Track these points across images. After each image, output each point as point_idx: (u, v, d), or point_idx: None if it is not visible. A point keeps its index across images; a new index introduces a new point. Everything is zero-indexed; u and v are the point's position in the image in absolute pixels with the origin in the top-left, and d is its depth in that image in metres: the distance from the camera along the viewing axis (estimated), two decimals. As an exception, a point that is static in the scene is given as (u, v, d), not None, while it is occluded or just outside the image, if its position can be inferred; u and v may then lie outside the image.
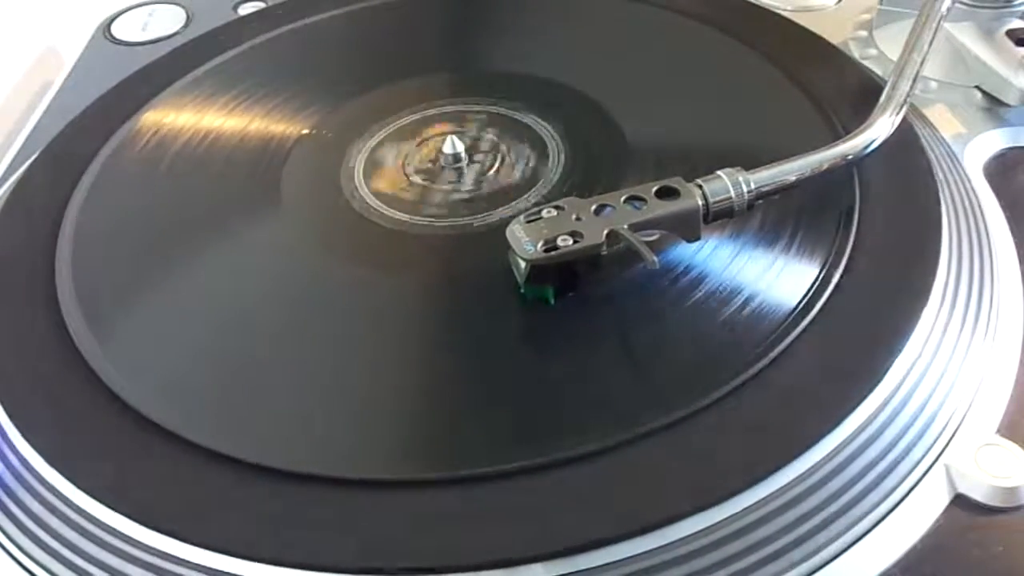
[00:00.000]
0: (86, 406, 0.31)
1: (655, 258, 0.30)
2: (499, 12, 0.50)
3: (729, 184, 0.32)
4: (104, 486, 0.28)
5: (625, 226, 0.31)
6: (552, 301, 0.32)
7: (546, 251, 0.31)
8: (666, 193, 0.32)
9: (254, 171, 0.40)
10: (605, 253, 0.31)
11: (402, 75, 0.44)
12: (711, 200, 0.32)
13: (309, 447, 0.29)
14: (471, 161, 0.39)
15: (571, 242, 0.31)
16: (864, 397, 0.28)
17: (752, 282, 0.32)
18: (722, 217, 0.32)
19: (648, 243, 0.31)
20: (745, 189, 0.32)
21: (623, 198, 0.32)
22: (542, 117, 0.41)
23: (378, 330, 0.33)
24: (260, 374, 0.32)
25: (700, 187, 0.32)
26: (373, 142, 0.41)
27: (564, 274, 0.31)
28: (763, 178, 0.33)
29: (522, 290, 0.32)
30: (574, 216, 0.32)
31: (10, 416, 0.31)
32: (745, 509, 0.26)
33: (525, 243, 0.31)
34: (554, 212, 0.32)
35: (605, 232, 0.31)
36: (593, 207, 0.32)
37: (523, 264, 0.31)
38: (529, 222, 0.32)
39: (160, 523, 0.27)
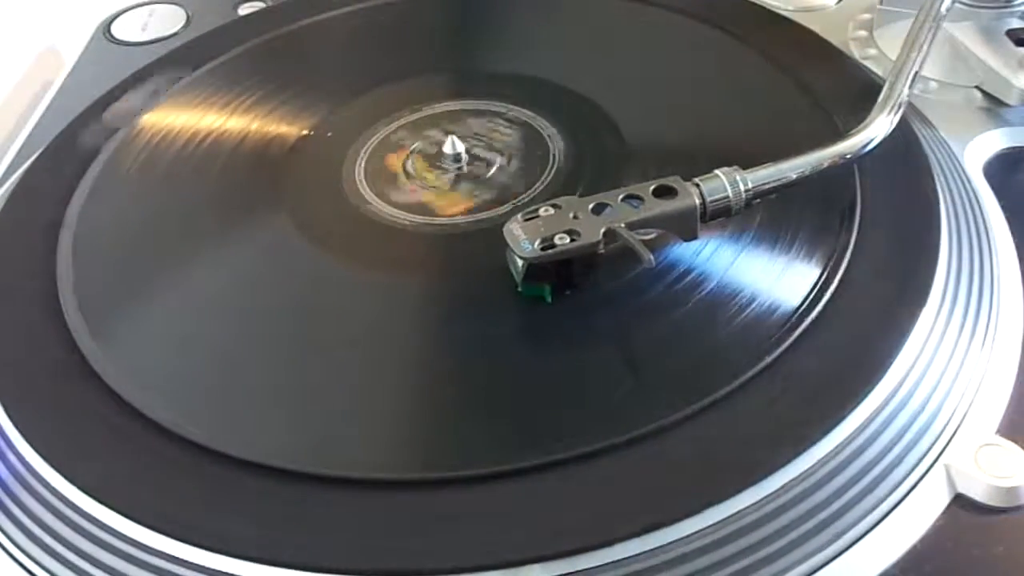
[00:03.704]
0: (86, 406, 0.31)
1: (651, 256, 0.30)
2: (499, 12, 0.50)
3: (726, 183, 0.32)
4: (104, 486, 0.28)
5: (622, 225, 0.31)
6: (549, 299, 0.32)
7: (543, 249, 0.31)
8: (663, 192, 0.32)
9: (254, 171, 0.40)
10: (602, 251, 0.31)
11: (402, 75, 0.45)
12: (708, 199, 0.32)
13: (309, 447, 0.29)
14: (471, 161, 0.39)
15: (568, 240, 0.31)
16: (864, 397, 0.28)
17: (752, 283, 0.32)
18: (720, 216, 0.32)
19: (645, 242, 0.31)
20: (742, 188, 0.32)
21: (620, 197, 0.32)
22: (542, 117, 0.41)
23: (377, 329, 0.33)
24: (260, 374, 0.32)
25: (697, 186, 0.32)
26: (373, 142, 0.41)
27: (561, 272, 0.31)
28: (760, 177, 0.32)
29: (519, 288, 0.32)
30: (571, 215, 0.32)
31: (10, 416, 0.31)
32: (745, 509, 0.26)
33: (522, 241, 0.31)
34: (551, 211, 0.32)
35: (602, 230, 0.31)
36: (591, 206, 0.32)
37: (520, 262, 0.31)
38: (526, 220, 0.32)
39: (160, 523, 0.27)
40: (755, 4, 0.48)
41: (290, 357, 0.32)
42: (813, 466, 0.27)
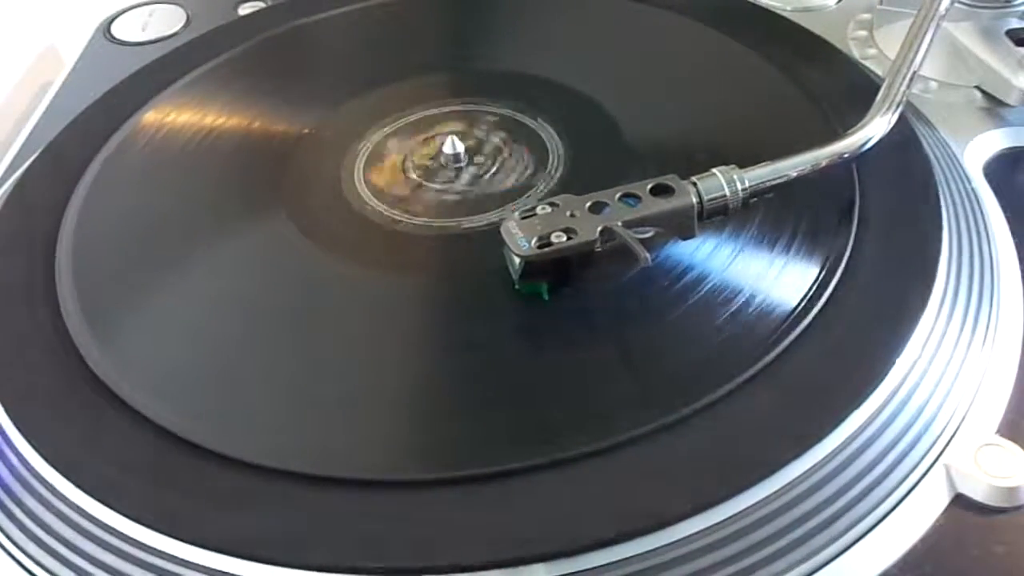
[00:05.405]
0: (86, 406, 0.31)
1: (648, 255, 0.30)
2: (499, 12, 0.50)
3: (723, 182, 0.32)
4: (104, 486, 0.28)
5: (619, 223, 0.31)
6: (546, 297, 0.32)
7: (540, 247, 0.31)
8: (661, 191, 0.32)
9: (254, 171, 0.40)
10: (599, 249, 0.31)
11: (402, 75, 0.45)
12: (705, 198, 0.32)
13: (309, 447, 0.29)
14: (471, 161, 0.39)
15: (565, 238, 0.31)
16: (864, 397, 0.28)
17: (751, 282, 0.32)
18: (717, 215, 0.32)
19: (642, 240, 0.31)
20: (740, 187, 0.32)
21: (618, 195, 0.32)
22: (542, 117, 0.41)
23: (376, 329, 0.33)
24: (259, 374, 0.32)
25: (695, 184, 0.32)
26: (373, 142, 0.41)
27: (558, 270, 0.31)
28: (758, 176, 0.32)
29: (516, 286, 0.32)
30: (569, 213, 0.32)
31: (10, 416, 0.31)
32: (745, 509, 0.26)
33: (519, 239, 0.31)
34: (549, 208, 0.32)
35: (599, 229, 0.31)
36: (588, 204, 0.32)
37: (517, 260, 0.31)
38: (524, 218, 0.32)
39: (160, 523, 0.27)
40: (755, 4, 0.48)
41: (289, 357, 0.32)
42: (813, 466, 0.27)
